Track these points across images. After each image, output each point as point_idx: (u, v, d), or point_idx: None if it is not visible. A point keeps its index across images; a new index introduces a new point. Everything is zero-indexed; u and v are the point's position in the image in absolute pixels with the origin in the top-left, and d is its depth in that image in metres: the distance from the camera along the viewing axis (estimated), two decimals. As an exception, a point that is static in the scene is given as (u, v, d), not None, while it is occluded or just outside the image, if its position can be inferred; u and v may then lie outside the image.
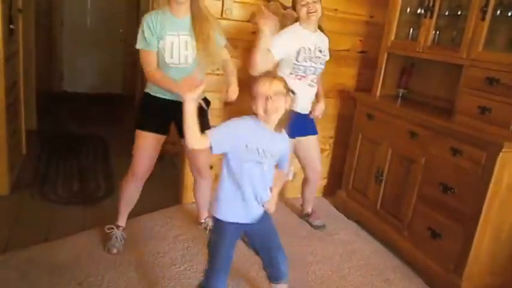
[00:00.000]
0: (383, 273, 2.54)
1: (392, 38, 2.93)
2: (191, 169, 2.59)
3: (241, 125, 1.66)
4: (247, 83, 3.03)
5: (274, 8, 2.87)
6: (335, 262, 2.58)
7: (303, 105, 2.60)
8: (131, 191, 2.41)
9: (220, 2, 2.79)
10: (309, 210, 3.05)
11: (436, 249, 2.41)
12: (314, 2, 2.48)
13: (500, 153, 2.07)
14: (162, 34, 2.18)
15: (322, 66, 2.64)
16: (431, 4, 2.61)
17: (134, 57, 5.92)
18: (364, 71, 3.34)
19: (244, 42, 2.94)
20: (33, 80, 4.25)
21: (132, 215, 2.76)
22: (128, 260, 2.33)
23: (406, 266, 2.62)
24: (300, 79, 2.55)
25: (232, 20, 2.86)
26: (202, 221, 2.75)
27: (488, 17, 2.27)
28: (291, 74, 2.52)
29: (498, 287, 2.41)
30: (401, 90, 3.10)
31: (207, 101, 2.39)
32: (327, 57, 2.69)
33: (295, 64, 2.51)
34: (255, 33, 2.92)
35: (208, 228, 2.70)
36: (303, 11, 2.49)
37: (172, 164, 3.64)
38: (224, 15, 2.82)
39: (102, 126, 4.78)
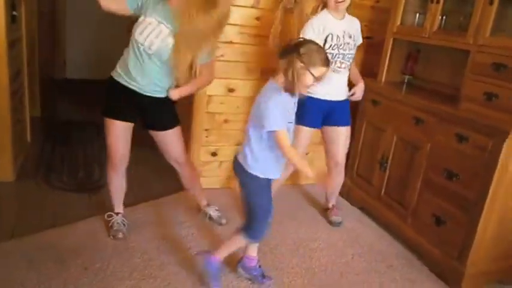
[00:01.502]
0: (386, 259, 2.55)
1: (398, 23, 2.89)
2: (169, 161, 2.47)
3: (283, 101, 1.81)
4: (253, 68, 3.03)
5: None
6: (339, 248, 2.60)
7: (326, 91, 2.54)
8: (113, 179, 2.41)
9: (224, -12, 2.76)
10: (329, 204, 2.96)
11: (440, 235, 2.41)
12: None
13: (506, 140, 2.05)
14: (148, 12, 2.11)
15: (353, 52, 2.58)
16: (438, -12, 2.58)
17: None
18: (370, 57, 3.30)
19: (249, 29, 2.91)
20: (37, 67, 4.24)
21: (136, 202, 2.79)
22: (132, 246, 2.35)
23: (409, 252, 2.63)
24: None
25: (236, 5, 2.82)
26: (202, 209, 2.74)
27: (496, 1, 2.23)
28: None
29: (502, 273, 2.42)
30: (407, 76, 3.07)
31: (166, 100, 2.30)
32: (359, 42, 2.65)
33: None
34: (259, 19, 2.91)
35: (208, 215, 2.70)
36: (332, 1, 2.45)
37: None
38: (228, 1, 2.79)
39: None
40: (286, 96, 1.79)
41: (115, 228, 2.42)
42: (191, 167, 2.61)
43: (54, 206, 2.71)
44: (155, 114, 2.30)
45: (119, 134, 2.27)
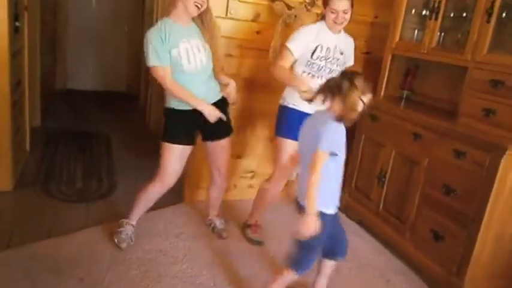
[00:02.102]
0: (384, 274, 2.53)
1: (397, 39, 2.92)
2: (211, 167, 2.58)
3: (341, 129, 1.79)
4: (252, 81, 3.05)
5: (280, 8, 2.88)
6: (336, 263, 2.58)
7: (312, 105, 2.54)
8: (155, 196, 2.45)
9: (225, 2, 2.80)
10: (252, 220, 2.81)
11: (438, 251, 2.41)
12: (344, 12, 2.37)
13: (504, 156, 2.07)
14: (175, 43, 2.20)
15: (339, 69, 2.46)
16: (436, 5, 2.61)
17: (138, 56, 5.94)
18: (368, 72, 3.33)
19: (249, 42, 2.94)
20: (38, 77, 4.27)
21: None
22: (129, 257, 2.34)
23: (408, 267, 2.62)
24: (312, 77, 2.46)
25: (237, 19, 2.86)
26: (210, 217, 2.76)
27: (493, 19, 2.26)
28: (303, 72, 2.47)
29: (500, 290, 2.41)
30: (406, 92, 3.09)
31: (225, 101, 2.44)
32: (350, 62, 2.61)
33: (308, 61, 2.44)
34: (259, 32, 2.94)
35: (213, 226, 2.72)
36: (330, 17, 2.39)
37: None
38: (229, 15, 2.83)
39: (106, 125, 4.79)
40: (341, 125, 1.78)
41: (123, 236, 2.41)
42: (227, 177, 2.66)
43: (52, 215, 2.70)
44: (215, 123, 2.36)
45: (179, 157, 2.36)
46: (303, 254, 1.91)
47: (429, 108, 2.84)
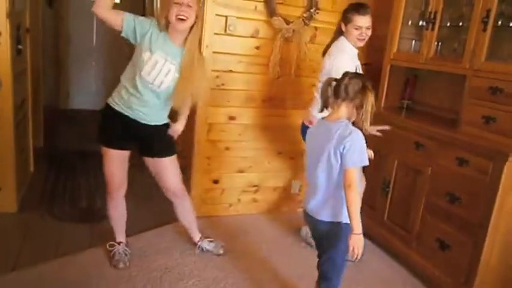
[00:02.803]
0: (392, 286, 2.51)
1: (395, 50, 2.95)
2: (165, 192, 2.46)
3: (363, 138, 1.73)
4: (253, 96, 3.07)
5: (278, 23, 2.92)
6: (344, 276, 2.56)
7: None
8: (113, 208, 2.41)
9: (224, 18, 2.84)
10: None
11: (445, 260, 2.39)
12: (367, 28, 2.40)
13: (507, 162, 2.07)
14: (153, 47, 2.10)
15: None
16: (432, 16, 2.64)
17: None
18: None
19: (249, 58, 2.97)
20: (41, 98, 4.30)
21: (140, 230, 2.78)
22: (135, 275, 2.33)
23: (415, 278, 2.60)
24: None
25: (236, 35, 2.90)
26: (196, 243, 2.64)
27: (489, 27, 2.29)
28: None
29: (510, 298, 2.38)
30: (406, 102, 3.11)
31: (168, 126, 2.37)
32: None
33: None
34: (258, 48, 2.98)
35: (204, 249, 2.62)
36: (354, 34, 2.41)
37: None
38: (228, 31, 2.87)
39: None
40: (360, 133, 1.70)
41: (116, 258, 2.40)
42: (187, 199, 2.54)
43: (57, 236, 2.70)
44: (155, 141, 2.32)
45: (115, 162, 2.28)
46: (342, 267, 1.90)
47: (430, 117, 2.85)
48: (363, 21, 2.39)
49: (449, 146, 2.39)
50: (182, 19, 2.04)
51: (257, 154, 3.21)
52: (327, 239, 1.83)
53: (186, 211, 2.56)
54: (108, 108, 2.26)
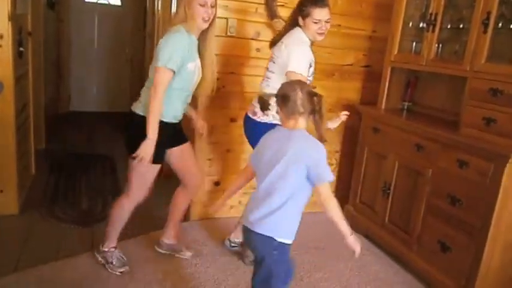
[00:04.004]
0: None
1: (396, 52, 2.95)
2: (183, 174, 2.47)
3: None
4: (254, 98, 3.07)
5: (279, 26, 2.92)
6: (344, 278, 2.57)
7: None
8: (127, 215, 2.35)
9: (225, 21, 2.84)
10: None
11: (446, 262, 2.39)
12: (327, 21, 2.28)
13: (508, 164, 2.07)
14: (192, 57, 2.17)
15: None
16: (433, 18, 2.64)
17: (141, 77, 6.01)
18: (369, 85, 3.36)
19: (250, 60, 2.98)
20: (43, 100, 4.32)
21: (139, 233, 2.78)
22: (136, 278, 2.33)
23: (416, 280, 2.59)
24: None
25: (237, 37, 2.90)
26: (163, 241, 2.61)
27: (490, 29, 2.29)
28: None
29: (511, 300, 2.38)
30: (406, 103, 3.11)
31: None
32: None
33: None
34: (259, 50, 2.98)
35: (164, 247, 2.60)
36: (313, 29, 2.28)
37: (179, 182, 3.64)
38: (229, 33, 2.87)
39: (110, 146, 4.81)
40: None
41: (117, 264, 2.37)
42: (194, 195, 2.62)
43: (58, 238, 2.70)
44: (181, 129, 2.40)
45: (154, 176, 2.28)
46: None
47: (431, 119, 2.85)
48: (322, 14, 2.26)
49: (450, 148, 2.39)
50: (207, 20, 2.16)
51: (258, 156, 3.20)
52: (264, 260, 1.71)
53: (184, 204, 2.57)
54: (161, 123, 2.15)
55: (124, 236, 2.53)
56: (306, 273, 2.56)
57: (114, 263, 2.38)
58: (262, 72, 3.00)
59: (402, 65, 2.95)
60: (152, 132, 2.07)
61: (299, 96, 1.64)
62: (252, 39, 2.95)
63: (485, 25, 2.29)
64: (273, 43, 2.49)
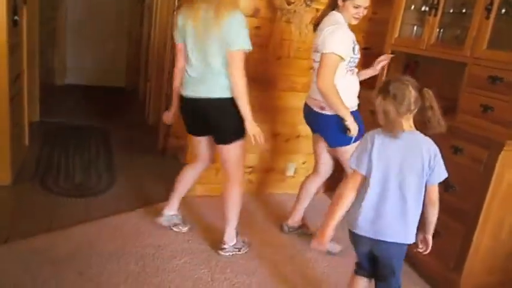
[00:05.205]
0: (382, 269, 2.54)
1: (396, 35, 2.92)
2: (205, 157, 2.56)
3: None
4: (252, 76, 3.05)
5: (279, 3, 2.88)
6: (334, 259, 2.59)
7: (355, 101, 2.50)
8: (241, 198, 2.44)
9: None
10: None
11: (435, 246, 2.40)
12: (365, 8, 2.32)
13: (502, 152, 2.07)
14: None
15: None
16: (435, 2, 2.60)
17: (138, 51, 5.93)
18: (368, 68, 3.33)
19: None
20: (37, 72, 4.26)
21: (133, 207, 2.79)
22: (128, 252, 2.35)
23: (405, 263, 2.61)
24: (352, 73, 2.40)
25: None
26: (166, 212, 2.65)
27: (492, 15, 2.26)
28: (346, 70, 2.34)
29: (498, 285, 2.42)
30: (404, 88, 3.09)
31: None
32: None
33: (351, 57, 2.33)
34: (258, 28, 2.94)
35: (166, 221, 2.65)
36: (351, 12, 2.30)
37: (175, 158, 3.65)
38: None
39: (105, 119, 4.79)
40: None
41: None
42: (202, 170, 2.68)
43: (51, 210, 2.71)
44: None
45: None
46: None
47: (428, 104, 2.83)
48: (364, 1, 2.30)
49: (445, 134, 2.37)
50: None
51: (253, 135, 3.19)
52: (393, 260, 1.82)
53: (193, 179, 2.64)
54: (233, 100, 2.21)
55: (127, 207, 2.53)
56: (297, 254, 2.58)
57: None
58: (261, 50, 2.97)
59: (402, 48, 2.92)
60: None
61: (412, 94, 1.66)
62: (252, 16, 2.89)
63: (488, 10, 2.26)
64: (315, 27, 2.46)
